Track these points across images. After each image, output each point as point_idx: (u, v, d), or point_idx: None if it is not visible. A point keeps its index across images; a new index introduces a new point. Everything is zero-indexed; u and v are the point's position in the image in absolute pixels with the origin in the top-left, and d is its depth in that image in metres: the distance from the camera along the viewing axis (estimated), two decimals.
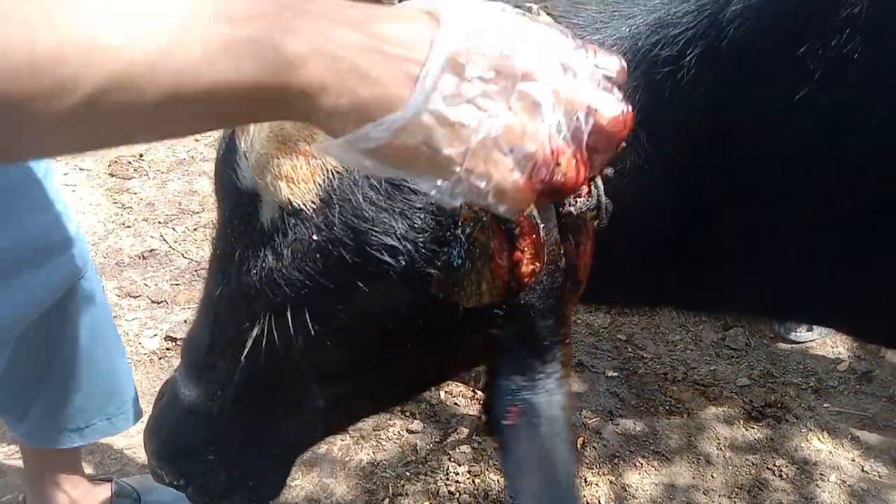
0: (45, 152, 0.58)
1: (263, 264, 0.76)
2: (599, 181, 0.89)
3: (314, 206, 0.73)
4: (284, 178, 0.74)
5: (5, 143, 0.50)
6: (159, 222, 3.14)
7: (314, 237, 0.73)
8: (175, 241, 3.04)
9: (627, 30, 0.89)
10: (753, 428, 2.36)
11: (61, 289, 1.59)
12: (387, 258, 0.73)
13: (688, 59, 0.88)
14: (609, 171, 0.91)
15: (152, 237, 3.06)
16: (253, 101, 0.53)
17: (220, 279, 0.85)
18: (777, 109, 0.89)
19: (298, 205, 0.74)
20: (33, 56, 0.45)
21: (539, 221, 0.72)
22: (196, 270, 2.89)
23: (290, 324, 0.77)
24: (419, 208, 0.73)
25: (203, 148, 3.57)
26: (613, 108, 0.63)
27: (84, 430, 1.78)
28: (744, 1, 0.87)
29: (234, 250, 0.80)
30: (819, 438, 2.33)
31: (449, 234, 0.74)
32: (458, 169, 0.57)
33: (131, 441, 2.26)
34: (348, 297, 0.77)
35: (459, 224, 0.74)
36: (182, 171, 3.41)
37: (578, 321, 2.74)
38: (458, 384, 2.45)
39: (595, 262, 0.94)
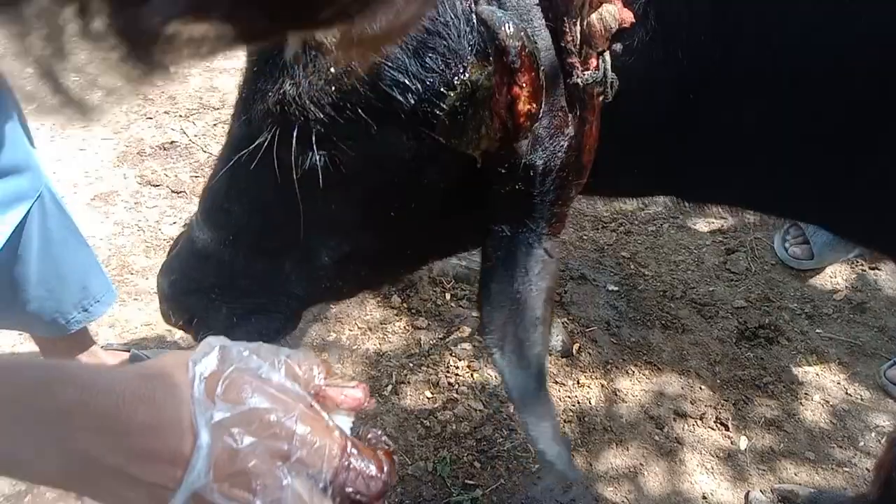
0: None
1: (280, 91, 0.82)
2: (607, 56, 0.94)
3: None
4: None
5: None
6: (180, 116, 3.19)
7: (331, 69, 0.78)
8: (195, 135, 3.10)
9: None
10: (745, 347, 2.44)
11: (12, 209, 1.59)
12: (397, 95, 0.79)
13: None
14: (617, 46, 0.95)
15: (173, 129, 3.12)
16: None
17: (239, 119, 0.91)
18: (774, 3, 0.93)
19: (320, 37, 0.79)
20: None
21: (541, 63, 0.77)
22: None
23: (296, 155, 0.84)
24: (431, 48, 0.78)
25: None
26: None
27: (65, 324, 1.87)
28: None
29: (256, 88, 0.86)
30: (807, 361, 2.41)
31: (457, 78, 0.80)
32: None
33: (149, 317, 2.36)
34: (357, 135, 0.83)
35: (468, 70, 0.79)
36: (204, 68, 3.45)
37: (584, 238, 2.80)
38: (463, 287, 2.54)
39: (599, 145, 1.00)
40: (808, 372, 2.38)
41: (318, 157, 0.84)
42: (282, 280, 1.11)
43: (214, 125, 3.16)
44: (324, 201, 0.93)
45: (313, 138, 0.82)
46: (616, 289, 2.62)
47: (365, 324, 2.40)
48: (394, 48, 0.76)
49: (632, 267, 2.71)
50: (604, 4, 0.91)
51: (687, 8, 0.96)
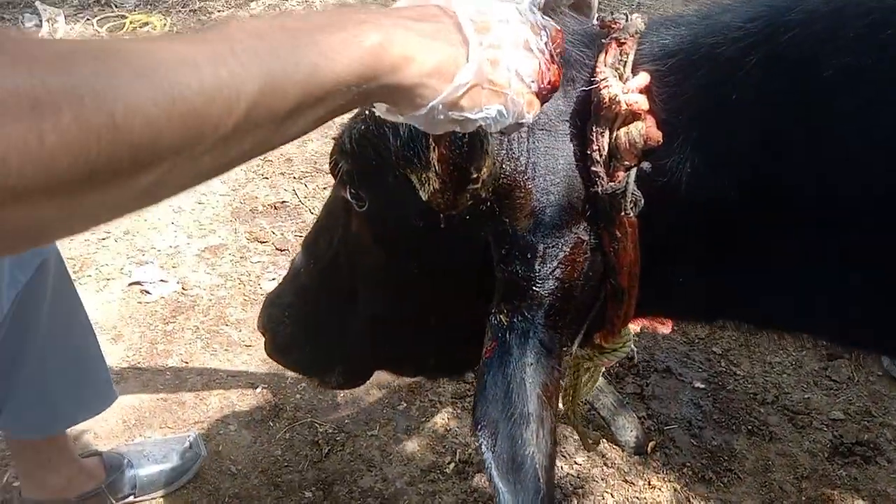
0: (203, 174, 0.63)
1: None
2: (633, 171, 0.94)
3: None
4: None
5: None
6: (294, 177, 3.38)
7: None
8: (305, 197, 3.27)
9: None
10: (838, 464, 2.27)
11: (25, 275, 1.57)
12: None
13: (748, 60, 0.90)
14: (646, 164, 0.95)
15: (285, 190, 3.30)
16: (358, 87, 0.68)
17: None
18: (829, 120, 0.89)
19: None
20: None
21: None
22: None
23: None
24: None
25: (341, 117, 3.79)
26: (554, 27, 0.86)
27: (60, 418, 1.80)
28: (800, 12, 0.88)
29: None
30: None
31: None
32: (508, 92, 0.78)
33: (236, 368, 2.48)
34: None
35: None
36: (321, 133, 3.64)
37: (674, 328, 2.71)
38: None
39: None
40: None
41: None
42: (328, 322, 1.28)
43: (324, 188, 3.32)
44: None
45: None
46: (703, 386, 2.51)
47: (436, 395, 2.42)
48: None
49: (722, 364, 2.59)
50: (635, 121, 0.92)
51: (730, 132, 0.94)
